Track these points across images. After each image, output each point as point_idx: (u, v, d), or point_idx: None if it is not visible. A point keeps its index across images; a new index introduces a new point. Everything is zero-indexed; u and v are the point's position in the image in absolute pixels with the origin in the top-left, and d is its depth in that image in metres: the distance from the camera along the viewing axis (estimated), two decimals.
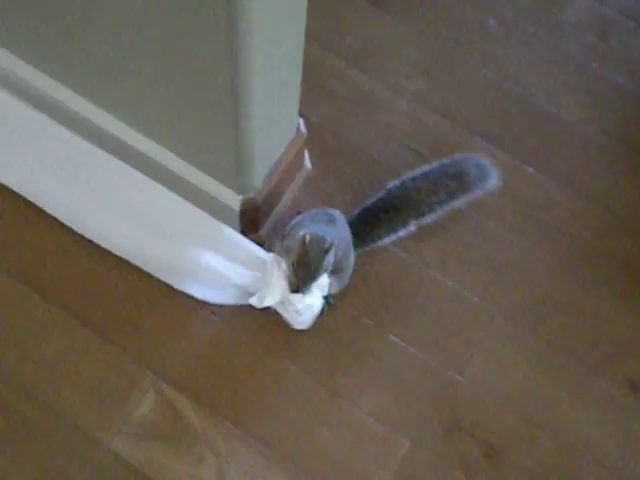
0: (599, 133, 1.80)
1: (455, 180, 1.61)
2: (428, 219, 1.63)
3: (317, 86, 1.79)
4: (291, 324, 1.55)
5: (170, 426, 1.51)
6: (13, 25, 1.49)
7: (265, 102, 1.33)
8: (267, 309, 1.53)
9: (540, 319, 1.63)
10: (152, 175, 1.58)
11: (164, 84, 1.35)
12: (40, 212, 1.63)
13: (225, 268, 1.55)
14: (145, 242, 1.58)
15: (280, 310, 1.53)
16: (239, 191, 1.52)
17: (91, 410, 1.51)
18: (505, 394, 1.57)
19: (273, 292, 1.49)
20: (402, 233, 1.63)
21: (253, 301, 1.52)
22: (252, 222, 1.59)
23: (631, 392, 1.59)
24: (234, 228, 1.57)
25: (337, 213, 1.55)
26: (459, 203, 1.64)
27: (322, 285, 1.49)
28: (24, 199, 1.63)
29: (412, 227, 1.63)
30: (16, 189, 1.64)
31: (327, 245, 1.40)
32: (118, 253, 1.60)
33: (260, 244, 1.59)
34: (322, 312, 1.57)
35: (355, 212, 1.62)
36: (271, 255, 1.53)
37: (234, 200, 1.53)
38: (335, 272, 1.50)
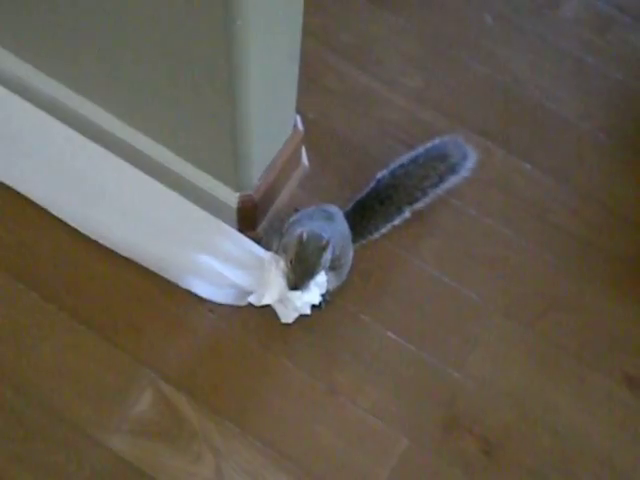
0: (596, 129, 1.80)
1: (442, 162, 1.63)
2: (422, 204, 1.64)
3: (314, 83, 1.78)
4: (281, 318, 1.55)
5: (168, 424, 1.51)
6: (5, 19, 1.48)
7: (262, 99, 1.33)
8: (264, 306, 1.53)
9: (537, 315, 1.63)
10: (149, 172, 1.58)
11: (160, 81, 1.34)
12: (38, 210, 1.62)
13: (223, 267, 1.55)
14: (145, 240, 1.58)
15: (277, 307, 1.53)
16: (236, 188, 1.51)
17: (89, 408, 1.51)
18: (503, 390, 1.57)
19: (271, 290, 1.49)
20: (397, 221, 1.63)
21: (252, 299, 1.52)
22: (249, 219, 1.59)
23: (628, 387, 1.59)
24: (231, 225, 1.57)
25: (335, 209, 1.55)
26: (448, 185, 1.65)
27: (320, 282, 1.49)
28: (22, 196, 1.63)
29: (407, 214, 1.63)
30: (15, 187, 1.63)
31: (324, 242, 1.40)
32: (120, 251, 1.59)
33: (257, 242, 1.59)
34: (319, 309, 1.57)
35: (349, 206, 1.62)
36: (269, 253, 1.53)
37: (231, 197, 1.53)
38: (333, 268, 1.50)
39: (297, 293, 1.46)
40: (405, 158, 1.64)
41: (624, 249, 1.69)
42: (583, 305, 1.65)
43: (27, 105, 1.61)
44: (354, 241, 1.58)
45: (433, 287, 1.64)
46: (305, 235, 1.40)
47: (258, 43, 1.20)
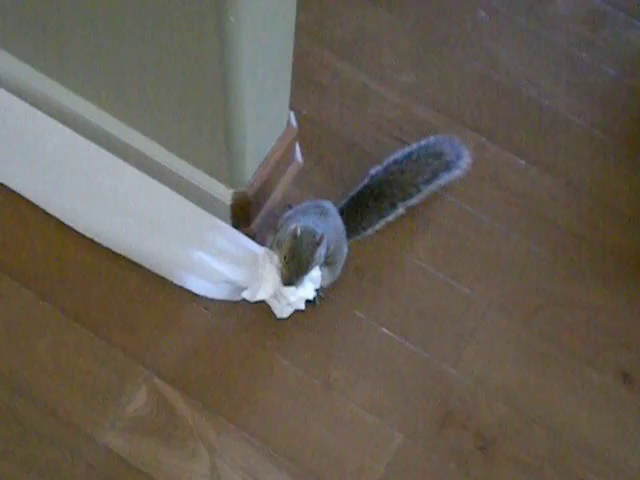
0: (589, 124, 1.80)
1: (436, 159, 1.63)
2: (416, 200, 1.64)
3: (307, 79, 1.78)
4: (276, 314, 1.55)
5: (163, 421, 1.51)
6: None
7: (255, 95, 1.33)
8: (259, 302, 1.53)
9: (532, 311, 1.63)
10: (143, 169, 1.57)
11: (153, 78, 1.34)
12: (32, 208, 1.62)
13: (218, 263, 1.55)
14: (140, 237, 1.58)
15: (271, 303, 1.53)
16: (230, 185, 1.51)
17: (84, 405, 1.51)
18: (497, 386, 1.57)
19: (266, 286, 1.49)
20: (391, 217, 1.63)
21: (246, 295, 1.52)
22: (243, 216, 1.59)
23: (623, 383, 1.59)
24: (225, 222, 1.57)
25: (329, 205, 1.55)
26: (442, 181, 1.65)
27: (314, 277, 1.49)
28: (16, 195, 1.63)
29: (401, 210, 1.63)
30: (8, 185, 1.63)
31: (318, 238, 1.40)
32: (114, 249, 1.59)
33: (251, 238, 1.59)
34: (314, 304, 1.57)
35: (343, 202, 1.62)
36: (263, 249, 1.53)
37: (225, 194, 1.53)
38: (328, 264, 1.51)
39: (291, 288, 1.46)
40: (399, 154, 1.64)
41: (619, 244, 1.70)
42: (578, 300, 1.65)
43: (20, 103, 1.61)
44: (348, 237, 1.59)
45: (427, 283, 1.64)
46: (299, 230, 1.40)
47: (251, 40, 1.20)
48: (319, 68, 1.80)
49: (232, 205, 1.54)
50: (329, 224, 1.50)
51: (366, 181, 1.64)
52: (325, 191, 1.67)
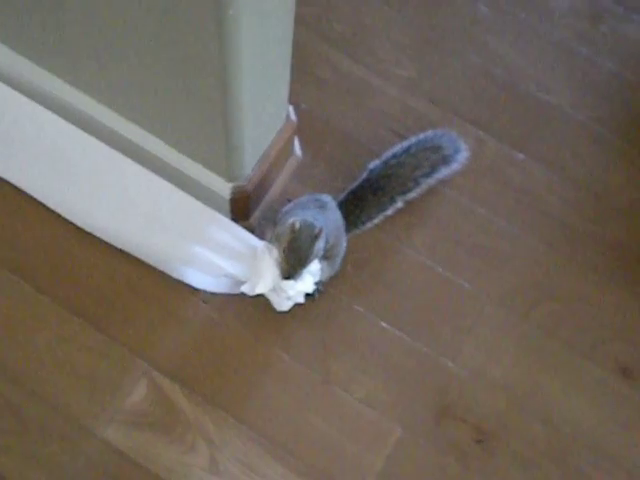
0: (588, 119, 1.80)
1: (434, 153, 1.63)
2: (414, 194, 1.64)
3: (306, 73, 1.78)
4: (275, 307, 1.55)
5: (162, 414, 1.51)
6: None
7: (254, 89, 1.33)
8: (258, 296, 1.53)
9: (531, 305, 1.63)
10: (142, 163, 1.57)
11: (152, 71, 1.34)
12: (31, 202, 1.62)
13: (217, 256, 1.55)
14: (140, 231, 1.58)
15: (271, 296, 1.54)
16: (229, 179, 1.51)
17: (83, 399, 1.51)
18: (496, 380, 1.57)
19: (265, 279, 1.49)
20: (390, 211, 1.64)
21: (245, 289, 1.52)
22: (242, 210, 1.59)
23: (622, 376, 1.59)
24: (224, 216, 1.57)
25: (328, 198, 1.55)
26: (440, 175, 1.65)
27: (313, 271, 1.49)
28: (14, 188, 1.63)
29: (400, 204, 1.64)
30: (7, 179, 1.63)
31: (317, 231, 1.41)
32: (114, 243, 1.59)
33: (251, 231, 1.59)
34: (313, 298, 1.57)
35: (342, 196, 1.62)
36: (262, 242, 1.53)
37: (224, 188, 1.53)
38: (327, 258, 1.51)
39: (290, 282, 1.46)
40: (398, 148, 1.64)
41: (618, 239, 1.70)
42: (577, 294, 1.65)
43: (18, 96, 1.61)
44: (347, 231, 1.59)
45: (426, 277, 1.64)
46: (298, 224, 1.40)
47: (250, 32, 1.20)
48: (318, 62, 1.80)
49: (231, 199, 1.54)
50: (328, 218, 1.50)
51: (365, 175, 1.64)
52: (324, 185, 1.67)
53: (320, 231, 1.41)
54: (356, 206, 1.62)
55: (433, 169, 1.64)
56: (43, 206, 1.62)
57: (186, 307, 1.58)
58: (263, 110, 1.44)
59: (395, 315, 1.61)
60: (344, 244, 1.57)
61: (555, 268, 1.67)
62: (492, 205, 1.71)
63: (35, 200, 1.62)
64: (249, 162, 1.51)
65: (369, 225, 1.64)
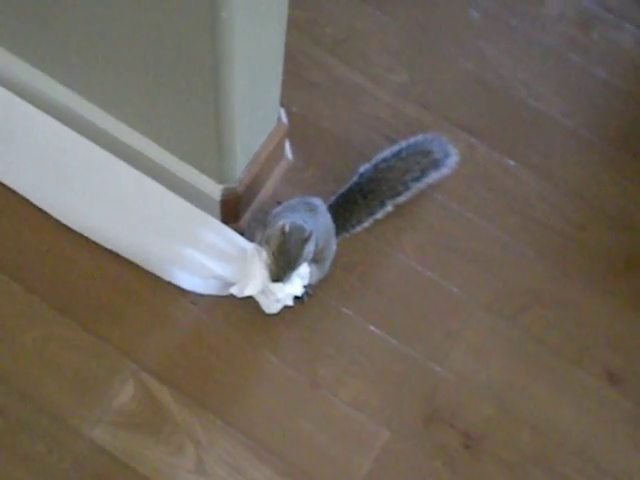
0: (579, 126, 1.81)
1: (425, 157, 1.64)
2: (404, 198, 1.64)
3: (298, 76, 1.78)
4: (264, 309, 1.55)
5: (150, 415, 1.51)
6: None
7: (246, 91, 1.33)
8: (247, 299, 1.53)
9: (519, 310, 1.64)
10: (133, 164, 1.57)
11: (145, 72, 1.34)
12: (21, 201, 1.62)
13: (206, 258, 1.55)
14: (129, 232, 1.57)
15: (260, 299, 1.54)
16: (220, 181, 1.51)
17: (71, 399, 1.51)
18: (484, 384, 1.58)
19: (254, 282, 1.49)
20: (380, 215, 1.64)
21: (234, 291, 1.52)
22: (233, 212, 1.59)
23: (609, 383, 1.60)
24: (215, 218, 1.57)
25: (318, 201, 1.55)
26: (430, 180, 1.66)
27: (303, 274, 1.49)
28: (4, 187, 1.63)
29: (390, 207, 1.64)
30: None
31: (307, 234, 1.41)
32: (104, 244, 1.59)
33: (240, 234, 1.59)
34: (302, 301, 1.57)
35: (332, 200, 1.63)
36: (252, 244, 1.53)
37: (215, 190, 1.53)
38: (316, 261, 1.51)
39: (279, 285, 1.46)
40: (388, 152, 1.65)
41: (606, 245, 1.70)
42: (565, 300, 1.66)
43: (10, 96, 1.61)
44: (337, 234, 1.59)
45: (415, 281, 1.64)
46: (287, 227, 1.40)
47: (243, 35, 1.20)
48: (310, 65, 1.81)
49: (221, 201, 1.54)
50: (318, 221, 1.50)
51: (355, 179, 1.64)
52: (314, 188, 1.68)
53: (310, 234, 1.41)
54: (346, 209, 1.62)
55: (423, 173, 1.64)
56: (33, 206, 1.61)
57: (175, 308, 1.58)
58: (255, 112, 1.44)
59: (384, 319, 1.61)
60: (334, 247, 1.57)
61: (544, 274, 1.67)
62: (482, 210, 1.71)
63: (25, 200, 1.62)
64: (240, 164, 1.51)
65: (359, 229, 1.64)
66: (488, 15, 1.90)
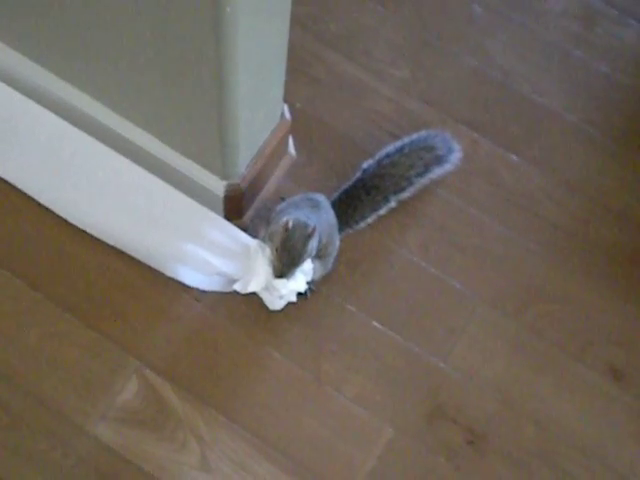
0: (582, 121, 1.81)
1: (428, 152, 1.64)
2: (408, 193, 1.64)
3: (301, 72, 1.78)
4: (268, 305, 1.55)
5: (153, 412, 1.51)
6: None
7: (250, 87, 1.33)
8: (250, 295, 1.53)
9: (522, 306, 1.64)
10: (136, 160, 1.57)
11: (148, 69, 1.34)
12: (24, 198, 1.62)
13: (210, 255, 1.55)
14: (133, 228, 1.57)
15: (263, 295, 1.54)
16: (223, 177, 1.51)
17: (74, 396, 1.51)
18: (488, 380, 1.58)
19: (257, 278, 1.49)
20: (384, 211, 1.64)
21: (237, 287, 1.52)
22: (236, 208, 1.59)
23: (612, 379, 1.60)
24: (218, 214, 1.57)
25: (321, 197, 1.55)
26: (433, 175, 1.65)
27: (306, 270, 1.49)
28: (7, 184, 1.62)
29: (393, 203, 1.64)
30: (1, 175, 1.63)
31: (310, 230, 1.41)
32: (107, 240, 1.59)
33: (244, 230, 1.58)
34: (305, 297, 1.57)
35: (335, 196, 1.63)
36: (255, 241, 1.53)
37: (218, 186, 1.53)
38: (319, 257, 1.51)
39: (283, 281, 1.46)
40: (391, 148, 1.65)
41: (610, 241, 1.70)
42: (568, 296, 1.65)
43: (13, 93, 1.61)
44: (340, 230, 1.59)
45: (419, 277, 1.64)
46: (291, 223, 1.40)
47: (247, 31, 1.20)
48: (313, 61, 1.80)
49: (225, 197, 1.54)
50: (321, 217, 1.50)
51: (358, 175, 1.64)
52: (318, 184, 1.67)
53: (313, 230, 1.41)
54: (349, 205, 1.62)
55: (426, 169, 1.64)
56: (36, 203, 1.61)
57: (178, 305, 1.58)
58: (258, 108, 1.44)
59: (387, 315, 1.61)
60: (337, 243, 1.57)
61: (547, 270, 1.67)
62: (485, 206, 1.71)
63: (28, 197, 1.61)
64: (243, 160, 1.51)
65: (362, 225, 1.64)
66: (491, 10, 1.89)
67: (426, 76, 1.82)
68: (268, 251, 1.46)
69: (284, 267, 1.42)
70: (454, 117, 1.78)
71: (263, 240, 1.51)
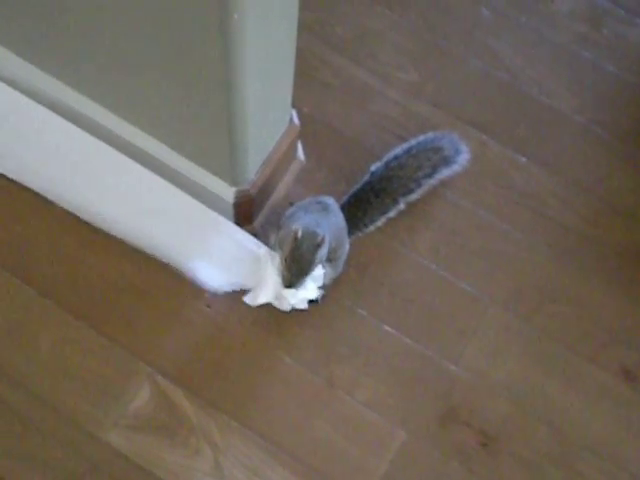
0: (590, 122, 1.81)
1: (435, 154, 1.64)
2: (416, 195, 1.64)
3: (309, 77, 1.78)
4: (278, 307, 1.55)
5: (166, 418, 1.51)
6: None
7: (258, 93, 1.33)
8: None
9: (534, 308, 1.63)
10: (145, 167, 1.57)
11: (156, 75, 1.34)
12: (32, 206, 1.62)
13: (221, 262, 1.55)
14: (146, 235, 1.57)
15: (274, 302, 1.54)
16: (233, 183, 1.51)
17: (87, 403, 1.51)
18: (500, 383, 1.57)
19: (266, 290, 1.50)
20: (393, 213, 1.64)
21: (247, 299, 1.53)
22: (246, 214, 1.59)
23: (624, 380, 1.59)
24: (228, 220, 1.57)
25: (330, 200, 1.55)
26: (441, 176, 1.65)
27: (317, 276, 1.49)
28: (16, 193, 1.63)
29: (402, 205, 1.64)
30: (13, 176, 1.63)
31: (319, 239, 1.40)
32: (117, 234, 1.59)
33: (254, 236, 1.58)
34: (317, 303, 1.57)
35: (344, 199, 1.63)
36: (264, 248, 1.53)
37: (228, 192, 1.53)
38: (329, 260, 1.50)
39: (292, 291, 1.46)
40: (399, 150, 1.65)
41: (620, 241, 1.70)
42: (579, 298, 1.65)
43: (23, 98, 1.61)
44: (350, 233, 1.59)
45: (429, 280, 1.64)
46: (300, 232, 1.40)
47: (254, 37, 1.20)
48: (320, 66, 1.80)
49: (235, 203, 1.54)
50: (330, 220, 1.50)
51: (367, 178, 1.64)
52: (327, 188, 1.67)
53: (322, 239, 1.40)
54: (359, 209, 1.62)
55: (434, 170, 1.64)
56: (46, 211, 1.62)
57: (190, 311, 1.58)
58: (267, 114, 1.44)
59: (398, 319, 1.61)
60: (347, 246, 1.57)
61: (558, 271, 1.67)
62: (495, 208, 1.71)
63: (38, 204, 1.62)
64: (253, 166, 1.51)
65: (372, 227, 1.64)
66: (498, 13, 1.89)
67: (434, 79, 1.82)
68: (277, 260, 1.46)
69: (293, 277, 1.42)
70: (462, 119, 1.78)
71: (273, 247, 1.51)
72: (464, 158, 1.67)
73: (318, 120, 1.75)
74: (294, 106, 1.58)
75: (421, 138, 1.66)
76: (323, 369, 1.56)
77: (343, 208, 1.60)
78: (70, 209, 1.61)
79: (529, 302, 1.64)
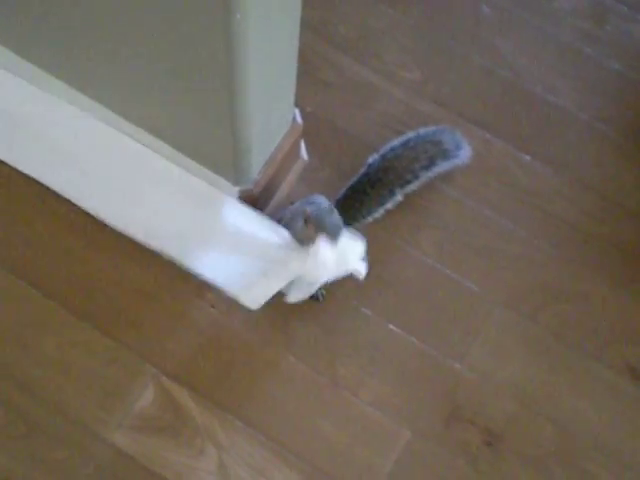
0: (595, 119, 1.80)
1: (434, 146, 1.64)
2: (413, 187, 1.64)
3: (312, 76, 1.78)
4: (287, 296, 1.53)
5: (170, 419, 1.51)
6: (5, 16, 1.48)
7: (261, 93, 1.33)
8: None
9: (538, 306, 1.63)
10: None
11: (159, 75, 1.34)
12: (38, 206, 1.62)
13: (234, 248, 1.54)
14: (157, 224, 1.56)
15: (291, 287, 1.51)
16: (236, 183, 1.51)
17: (91, 404, 1.51)
18: (505, 381, 1.57)
19: (299, 286, 1.49)
20: (391, 205, 1.63)
21: (289, 299, 1.52)
22: None
23: (630, 378, 1.59)
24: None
25: (321, 199, 1.52)
26: (439, 169, 1.65)
27: (358, 252, 1.47)
28: (20, 194, 1.63)
29: (400, 197, 1.63)
30: (20, 168, 1.62)
31: (327, 205, 1.42)
32: (128, 233, 1.58)
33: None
34: (318, 301, 1.57)
35: (341, 192, 1.62)
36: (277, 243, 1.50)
37: (232, 192, 1.53)
38: None
39: (330, 248, 1.41)
40: (396, 142, 1.64)
41: (624, 239, 1.69)
42: (584, 296, 1.65)
43: (30, 88, 1.60)
44: (348, 225, 1.57)
45: (433, 279, 1.64)
46: (309, 210, 1.40)
47: (257, 36, 1.20)
48: (323, 65, 1.80)
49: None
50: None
51: (364, 170, 1.64)
52: (330, 187, 1.67)
53: (329, 205, 1.43)
54: (356, 200, 1.61)
55: (432, 162, 1.63)
56: (51, 212, 1.61)
57: (194, 311, 1.58)
58: (270, 113, 1.44)
59: (403, 318, 1.60)
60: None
61: (562, 270, 1.67)
62: (499, 206, 1.70)
63: (43, 205, 1.62)
64: (256, 166, 1.51)
65: (369, 219, 1.63)
66: (500, 10, 1.89)
67: (437, 77, 1.82)
68: (293, 244, 1.45)
69: (329, 229, 1.39)
70: (466, 117, 1.78)
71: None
72: (465, 154, 1.66)
73: (321, 119, 1.75)
74: (297, 105, 1.58)
75: (421, 131, 1.66)
76: (328, 368, 1.56)
77: (340, 200, 1.60)
78: (73, 199, 1.60)
79: (534, 300, 1.64)
